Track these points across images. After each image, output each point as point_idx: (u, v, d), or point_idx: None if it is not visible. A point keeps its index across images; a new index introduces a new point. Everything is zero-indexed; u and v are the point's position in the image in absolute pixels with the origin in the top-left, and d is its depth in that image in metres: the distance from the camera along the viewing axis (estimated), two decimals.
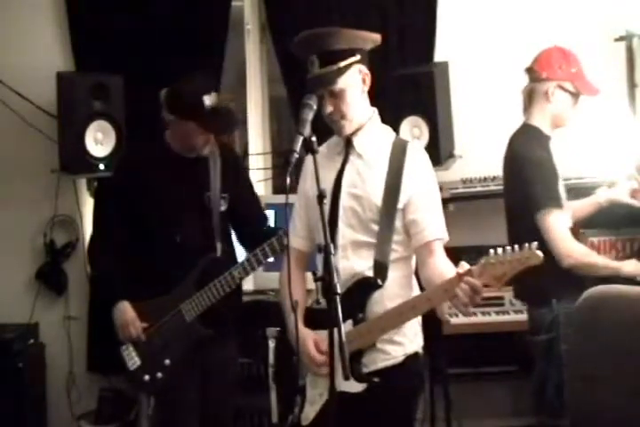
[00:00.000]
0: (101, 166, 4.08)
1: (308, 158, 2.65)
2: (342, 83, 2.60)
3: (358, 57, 2.61)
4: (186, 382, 3.28)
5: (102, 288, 3.47)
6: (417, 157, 2.68)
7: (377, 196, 2.62)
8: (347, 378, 2.20)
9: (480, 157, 4.32)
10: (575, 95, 3.24)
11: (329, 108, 2.63)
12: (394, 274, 2.63)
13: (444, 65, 4.34)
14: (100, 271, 3.45)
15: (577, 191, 3.41)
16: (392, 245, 2.63)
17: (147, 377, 3.26)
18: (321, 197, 2.33)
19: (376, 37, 2.69)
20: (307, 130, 2.45)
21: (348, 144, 2.69)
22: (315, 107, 2.52)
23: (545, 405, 3.16)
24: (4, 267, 4.48)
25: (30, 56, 4.43)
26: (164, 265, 3.26)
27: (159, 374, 3.25)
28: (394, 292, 2.62)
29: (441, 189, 4.17)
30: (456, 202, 4.32)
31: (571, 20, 4.42)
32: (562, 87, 3.22)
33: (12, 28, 4.46)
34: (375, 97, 4.24)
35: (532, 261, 2.33)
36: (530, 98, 3.29)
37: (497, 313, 4.17)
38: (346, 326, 2.46)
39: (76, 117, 4.08)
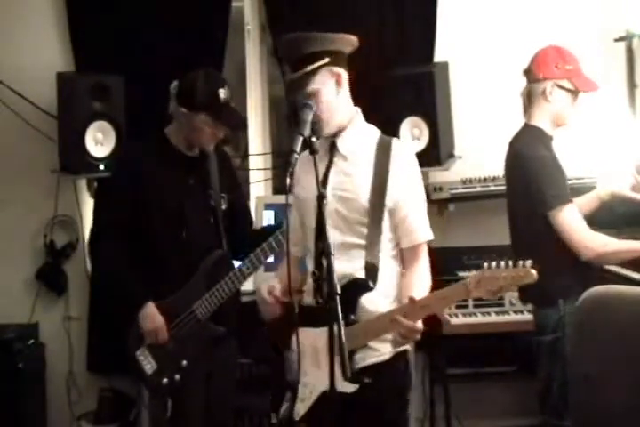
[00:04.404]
0: (101, 166, 4.09)
1: (299, 160, 2.65)
2: (312, 86, 2.61)
3: (327, 60, 2.62)
4: (196, 383, 3.28)
5: (119, 289, 3.29)
6: (402, 155, 2.67)
7: (364, 197, 2.62)
8: (346, 377, 2.20)
9: (480, 157, 4.32)
10: (574, 92, 3.23)
11: None
12: (384, 273, 2.63)
13: (444, 65, 4.33)
14: (113, 271, 3.30)
15: (577, 191, 3.40)
16: (381, 245, 2.63)
17: (165, 380, 3.24)
18: (321, 197, 2.34)
19: (350, 39, 2.70)
20: (307, 130, 2.46)
21: (332, 146, 2.68)
22: (314, 107, 2.54)
23: (549, 405, 3.16)
24: (4, 267, 4.48)
25: (30, 56, 4.43)
26: (170, 262, 3.25)
27: (177, 376, 3.23)
28: (385, 290, 2.63)
29: (441, 189, 4.28)
30: (456, 202, 4.33)
31: (571, 20, 4.42)
32: (559, 85, 3.21)
33: (12, 28, 4.46)
34: (375, 97, 4.29)
35: (526, 281, 2.33)
36: (529, 99, 3.29)
37: (497, 313, 4.17)
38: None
39: (76, 117, 4.09)
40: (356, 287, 2.59)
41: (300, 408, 2.65)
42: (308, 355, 2.58)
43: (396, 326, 2.47)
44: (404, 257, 2.69)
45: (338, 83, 2.65)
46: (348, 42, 2.69)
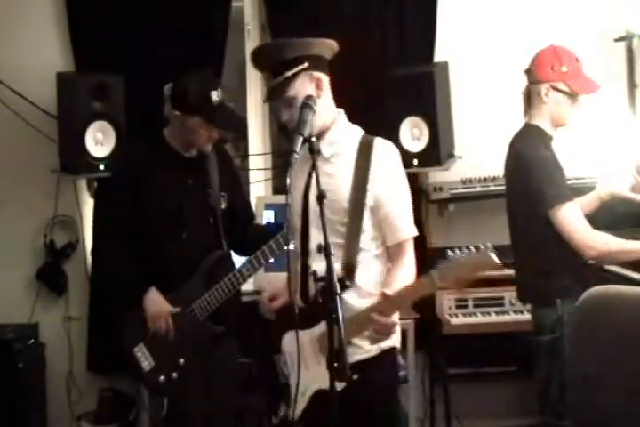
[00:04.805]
0: (101, 166, 4.08)
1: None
2: (292, 91, 2.63)
3: (306, 64, 2.64)
4: (194, 382, 3.28)
5: (120, 288, 3.32)
6: (383, 153, 2.68)
7: (344, 198, 2.62)
8: (345, 377, 2.21)
9: (480, 157, 4.33)
10: (571, 94, 3.22)
11: (284, 117, 2.68)
12: (367, 272, 2.64)
13: (444, 65, 4.34)
14: (113, 271, 3.33)
15: (577, 191, 3.40)
16: (362, 244, 2.64)
17: (162, 378, 3.25)
18: (321, 197, 2.34)
19: (329, 43, 2.71)
20: (307, 130, 2.48)
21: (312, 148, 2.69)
22: (315, 107, 2.55)
23: (548, 405, 3.16)
24: (4, 267, 4.48)
25: (30, 56, 4.43)
26: (170, 262, 3.26)
27: (174, 374, 3.24)
28: (367, 291, 2.63)
29: (441, 189, 4.28)
30: (456, 202, 4.33)
31: (571, 20, 4.43)
32: (555, 88, 3.21)
33: (12, 28, 4.46)
34: (375, 97, 4.29)
35: (490, 265, 2.31)
36: (528, 99, 3.29)
37: (497, 313, 4.18)
38: (321, 328, 2.50)
39: (76, 117, 4.08)
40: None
41: (296, 409, 2.66)
42: (297, 356, 2.58)
43: (372, 323, 2.49)
44: (390, 254, 2.70)
45: (318, 87, 2.67)
46: (328, 46, 2.71)
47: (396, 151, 2.73)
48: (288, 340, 2.72)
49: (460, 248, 2.34)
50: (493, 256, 2.30)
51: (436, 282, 2.39)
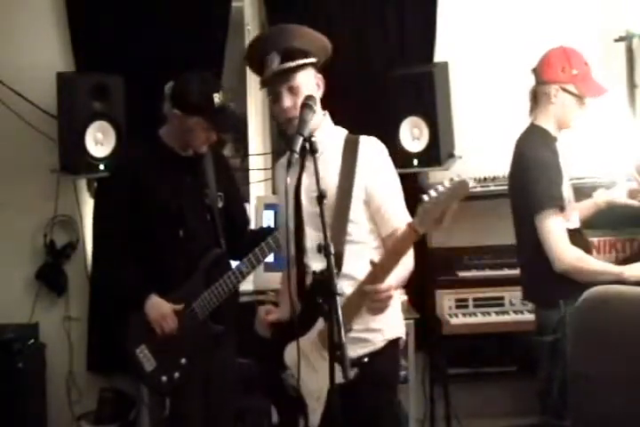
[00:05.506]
0: (101, 166, 4.09)
1: (283, 164, 2.67)
2: (300, 79, 2.65)
3: (314, 60, 2.67)
4: (194, 383, 3.29)
5: (121, 288, 3.33)
6: (370, 147, 2.70)
7: (333, 194, 2.63)
8: (347, 378, 2.21)
9: (480, 157, 4.33)
10: (579, 97, 3.22)
11: (287, 103, 2.65)
12: (366, 265, 2.61)
13: (444, 65, 4.34)
14: (114, 271, 3.34)
15: (577, 191, 3.41)
16: (359, 237, 2.65)
17: (164, 378, 3.25)
18: (321, 197, 2.35)
19: (329, 46, 2.74)
20: (307, 130, 2.48)
21: (302, 150, 2.64)
22: (315, 107, 2.55)
23: (549, 405, 3.16)
24: (4, 267, 4.48)
25: (30, 56, 4.43)
26: (169, 261, 3.27)
27: (176, 374, 3.25)
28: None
29: None
30: None
31: (571, 20, 4.43)
32: (564, 89, 3.20)
33: (12, 28, 4.46)
34: (375, 97, 4.29)
35: (464, 190, 2.29)
36: (535, 99, 3.28)
37: (497, 313, 4.18)
38: (320, 324, 2.52)
39: (76, 117, 4.08)
40: (322, 281, 2.57)
41: (315, 420, 2.64)
42: (302, 364, 2.57)
43: (368, 296, 2.47)
44: (385, 245, 2.69)
45: (318, 86, 2.70)
46: (326, 49, 2.75)
47: (382, 145, 2.75)
48: (289, 352, 2.69)
49: (434, 189, 2.31)
50: (466, 182, 2.27)
51: (419, 230, 2.39)
